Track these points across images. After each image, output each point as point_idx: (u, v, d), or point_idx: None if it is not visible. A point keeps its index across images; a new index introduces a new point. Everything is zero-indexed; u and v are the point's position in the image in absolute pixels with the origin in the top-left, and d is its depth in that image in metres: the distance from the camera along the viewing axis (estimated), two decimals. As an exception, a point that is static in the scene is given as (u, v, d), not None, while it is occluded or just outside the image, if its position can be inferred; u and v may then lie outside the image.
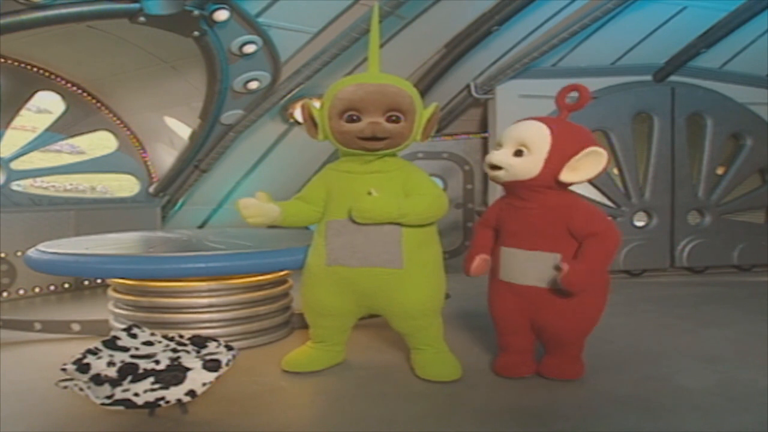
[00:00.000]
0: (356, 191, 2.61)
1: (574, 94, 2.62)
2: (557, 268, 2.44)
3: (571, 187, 2.58)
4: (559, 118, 2.62)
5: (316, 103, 2.76)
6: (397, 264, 2.61)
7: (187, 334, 2.58)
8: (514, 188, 2.61)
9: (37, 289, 4.99)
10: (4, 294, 4.78)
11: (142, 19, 3.71)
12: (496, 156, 2.53)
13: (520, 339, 2.72)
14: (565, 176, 2.46)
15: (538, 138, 2.47)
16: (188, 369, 2.14)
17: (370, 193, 2.56)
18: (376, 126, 2.53)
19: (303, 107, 2.73)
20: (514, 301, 2.63)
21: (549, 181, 2.49)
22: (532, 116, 2.60)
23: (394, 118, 2.57)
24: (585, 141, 2.49)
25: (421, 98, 2.72)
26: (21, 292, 4.89)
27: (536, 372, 2.72)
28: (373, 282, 2.64)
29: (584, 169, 2.46)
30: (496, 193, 5.64)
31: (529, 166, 2.48)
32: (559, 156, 2.45)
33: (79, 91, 5.39)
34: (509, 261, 2.63)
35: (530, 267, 2.55)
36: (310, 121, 2.71)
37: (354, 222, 2.57)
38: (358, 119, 2.55)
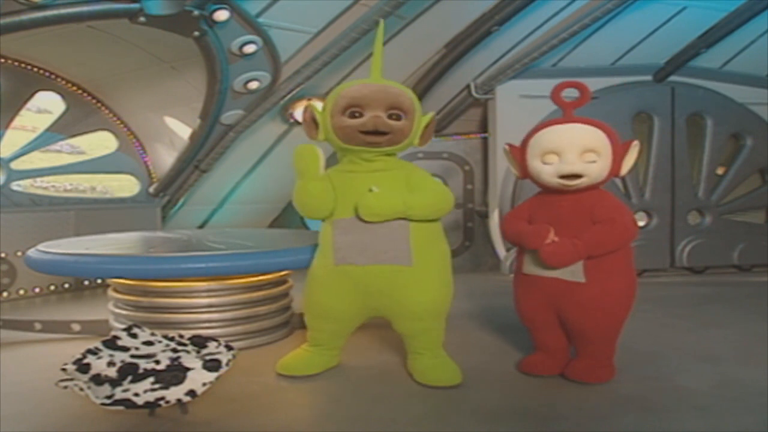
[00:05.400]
0: (360, 188, 2.60)
1: (571, 91, 2.65)
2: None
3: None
4: (580, 117, 2.60)
5: (318, 104, 2.77)
6: (405, 261, 2.59)
7: (188, 334, 2.58)
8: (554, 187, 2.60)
9: (37, 289, 4.99)
10: (4, 294, 4.78)
11: (142, 19, 3.71)
12: (577, 165, 2.50)
13: (551, 336, 2.71)
14: (623, 172, 2.61)
15: (601, 142, 2.52)
16: (188, 369, 2.15)
17: (371, 190, 2.56)
18: (378, 119, 2.55)
19: (305, 109, 2.74)
20: (539, 296, 2.63)
21: (607, 180, 2.59)
22: (560, 117, 2.60)
23: (395, 115, 2.59)
24: (618, 135, 2.59)
25: (420, 100, 2.74)
26: (21, 292, 4.89)
27: (560, 373, 2.69)
28: (381, 280, 2.62)
29: (630, 161, 2.59)
30: (496, 193, 5.67)
31: (604, 171, 2.54)
32: (616, 155, 2.55)
33: (79, 91, 5.39)
34: (534, 253, 2.60)
35: None
36: (312, 122, 2.72)
37: (361, 220, 2.56)
38: (361, 115, 2.57)
